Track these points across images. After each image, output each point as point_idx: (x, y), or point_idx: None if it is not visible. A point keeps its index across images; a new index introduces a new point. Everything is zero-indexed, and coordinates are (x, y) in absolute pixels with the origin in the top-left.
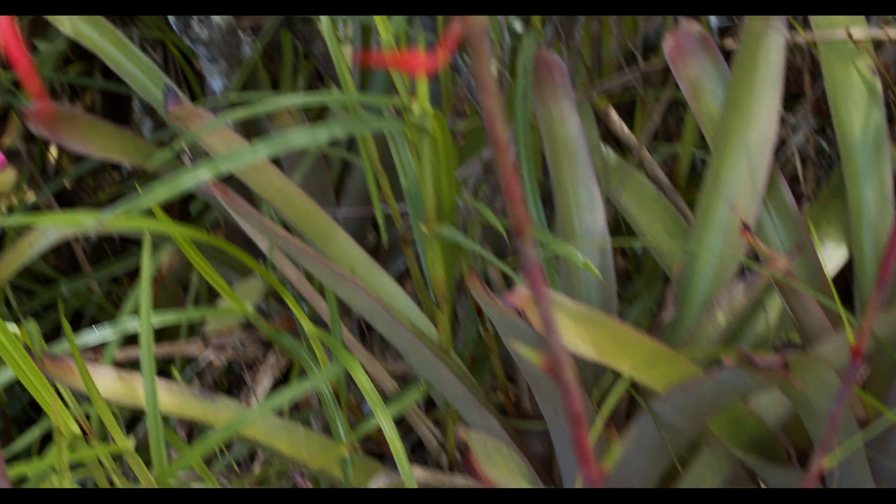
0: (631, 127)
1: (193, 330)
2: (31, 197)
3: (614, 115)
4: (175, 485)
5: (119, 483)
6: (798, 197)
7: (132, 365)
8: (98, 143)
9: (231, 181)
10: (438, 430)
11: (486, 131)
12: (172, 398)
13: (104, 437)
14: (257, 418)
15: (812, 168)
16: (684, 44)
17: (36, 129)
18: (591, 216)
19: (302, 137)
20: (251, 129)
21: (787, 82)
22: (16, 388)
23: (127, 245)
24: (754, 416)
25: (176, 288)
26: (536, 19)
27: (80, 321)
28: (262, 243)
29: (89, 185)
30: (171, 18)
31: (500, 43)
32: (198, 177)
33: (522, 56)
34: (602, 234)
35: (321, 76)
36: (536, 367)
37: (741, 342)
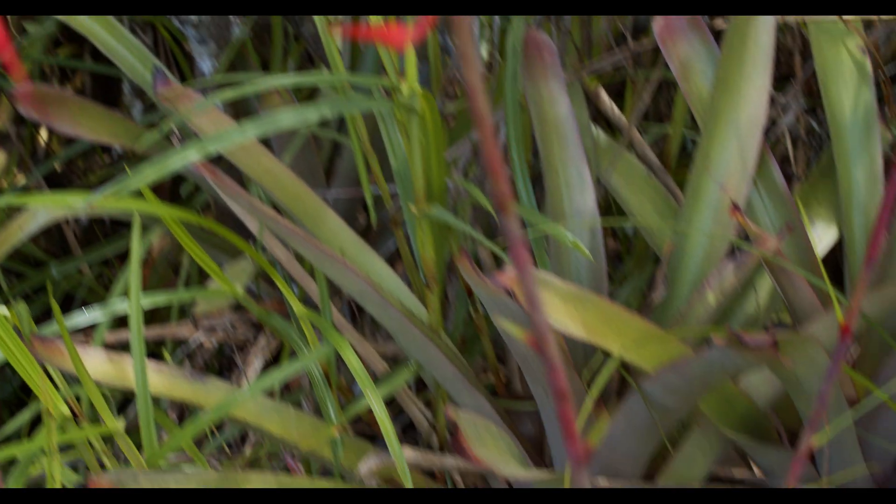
0: (621, 107)
1: (184, 312)
2: (20, 180)
3: (604, 96)
4: (165, 466)
5: (109, 465)
6: (788, 177)
7: (123, 347)
8: (87, 125)
9: (221, 163)
10: (429, 411)
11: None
12: (162, 379)
13: (95, 419)
14: (247, 399)
15: (802, 148)
16: (674, 24)
17: (25, 111)
18: (580, 196)
19: (290, 117)
20: (241, 111)
21: (778, 63)
22: (6, 370)
23: (117, 228)
24: (744, 395)
25: (167, 270)
26: None
27: (70, 304)
28: (252, 225)
29: (79, 167)
30: None
31: (490, 24)
32: (186, 157)
33: (512, 36)
34: (592, 214)
35: (311, 58)
36: (526, 347)
37: (731, 322)
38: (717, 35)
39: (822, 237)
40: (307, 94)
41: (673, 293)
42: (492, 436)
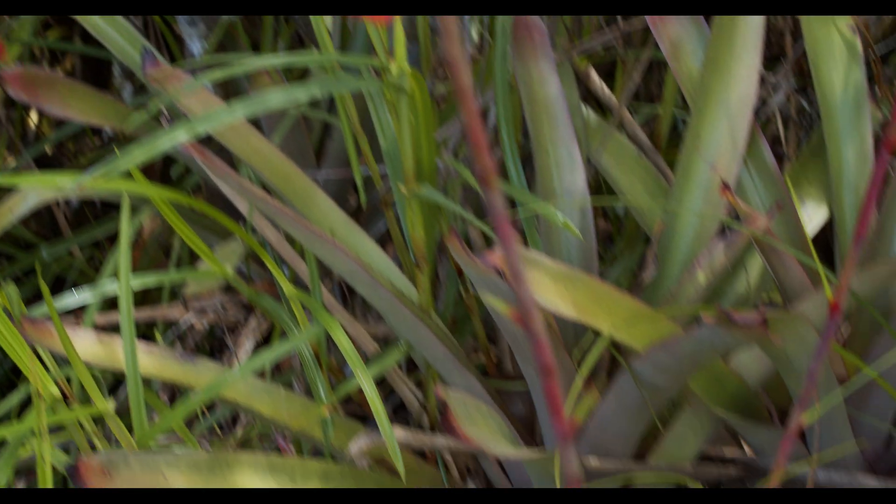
0: (611, 88)
1: (175, 295)
2: (11, 163)
3: (594, 76)
4: (156, 447)
5: (100, 446)
6: (779, 157)
7: (113, 329)
8: (77, 106)
9: (211, 145)
10: (420, 391)
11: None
12: (152, 360)
13: (85, 401)
14: (238, 380)
15: (793, 128)
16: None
17: (14, 93)
18: (571, 176)
19: (279, 97)
20: (231, 92)
21: (768, 43)
22: None
23: (108, 210)
24: (735, 374)
25: (158, 253)
26: None
27: (61, 287)
28: (242, 206)
29: (70, 150)
30: None
31: None
32: (175, 138)
33: (501, 17)
34: (582, 193)
35: (302, 39)
36: (515, 326)
37: (722, 301)
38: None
39: (813, 216)
40: (298, 76)
41: (663, 273)
42: (482, 415)
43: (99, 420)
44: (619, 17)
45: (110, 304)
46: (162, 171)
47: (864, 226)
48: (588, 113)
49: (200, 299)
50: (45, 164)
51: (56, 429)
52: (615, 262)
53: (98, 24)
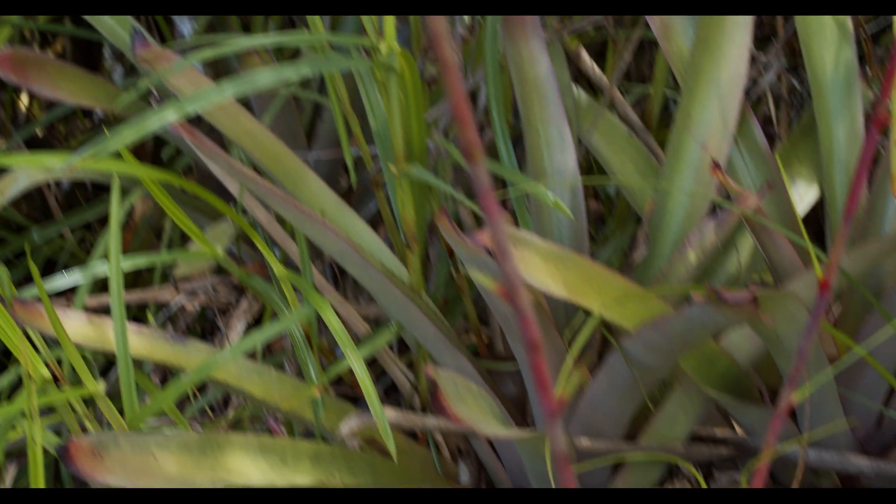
0: (602, 68)
1: (167, 277)
2: (1, 145)
3: (585, 56)
4: (147, 429)
5: (91, 428)
6: (771, 137)
7: (105, 311)
8: (67, 88)
9: (201, 126)
10: (411, 372)
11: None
12: (143, 342)
13: (77, 383)
14: (228, 361)
15: (784, 109)
16: None
17: (4, 74)
18: (561, 156)
19: (269, 76)
20: (221, 73)
21: (759, 22)
22: None
23: (99, 192)
24: (726, 354)
25: (149, 235)
26: None
27: (52, 269)
28: (233, 187)
29: (60, 132)
30: None
31: None
32: (164, 118)
33: None
34: (573, 173)
35: (292, 20)
36: (506, 306)
37: (713, 281)
38: None
39: (804, 196)
40: (289, 57)
41: (654, 252)
42: (472, 395)
43: (90, 402)
44: None
45: (101, 286)
46: (153, 153)
47: (854, 203)
48: (579, 93)
49: (191, 281)
50: (35, 146)
51: (47, 411)
52: (606, 243)
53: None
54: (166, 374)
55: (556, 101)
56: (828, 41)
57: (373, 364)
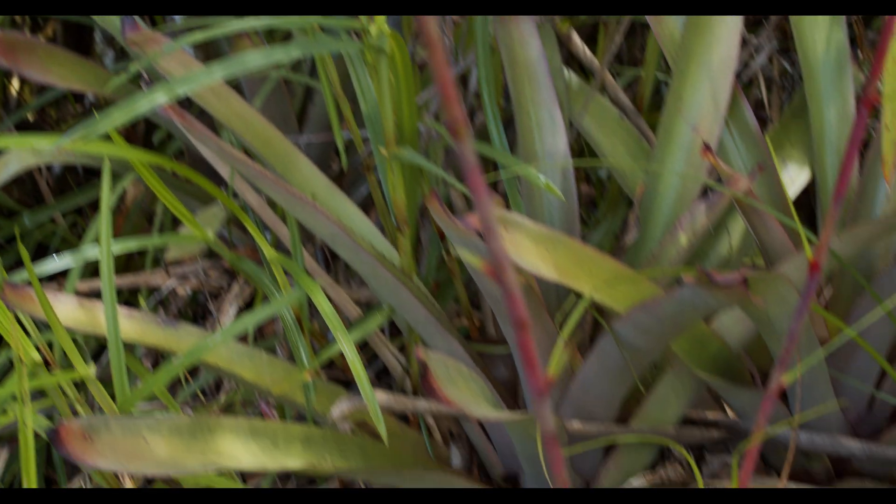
0: (593, 50)
1: (159, 262)
2: None
3: (576, 39)
4: (138, 413)
5: (82, 412)
6: (762, 120)
7: (96, 296)
8: (58, 72)
9: (192, 110)
10: (403, 356)
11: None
12: (134, 325)
13: (68, 367)
14: (220, 345)
15: (776, 92)
16: None
17: None
18: (552, 138)
19: (258, 58)
20: (213, 56)
21: None
22: None
23: (90, 177)
24: (717, 337)
25: (140, 220)
26: None
27: (44, 254)
28: (224, 171)
29: (51, 117)
30: None
31: None
32: (154, 100)
33: None
34: (564, 155)
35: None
36: (497, 288)
37: (704, 264)
38: None
39: (795, 179)
40: (280, 40)
41: (645, 235)
42: (463, 377)
43: (81, 386)
44: None
45: (93, 271)
46: (144, 137)
47: (844, 184)
48: (570, 76)
49: (182, 265)
50: (26, 130)
51: (39, 396)
52: (597, 226)
53: None
54: (158, 358)
55: (547, 83)
56: (819, 23)
57: (364, 348)
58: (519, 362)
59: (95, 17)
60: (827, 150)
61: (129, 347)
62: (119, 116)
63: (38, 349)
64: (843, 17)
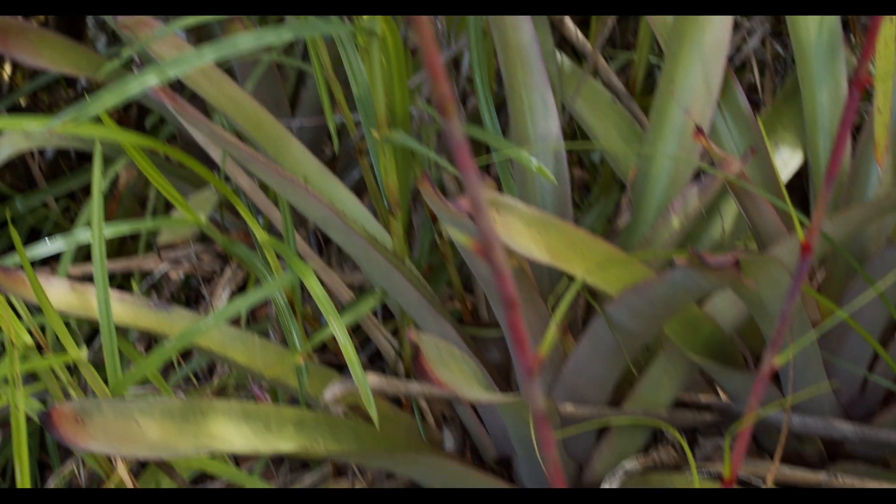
0: (586, 34)
1: (152, 247)
2: None
3: (569, 22)
4: (130, 397)
5: (74, 395)
6: (755, 104)
7: (89, 280)
8: (50, 56)
9: (184, 93)
10: (396, 340)
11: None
12: (126, 309)
13: (60, 350)
14: (212, 328)
15: (769, 76)
16: None
17: None
18: (544, 122)
19: (250, 41)
20: (205, 41)
21: None
22: None
23: (83, 161)
24: (710, 320)
25: (133, 204)
26: None
27: (37, 239)
28: (216, 155)
29: (44, 101)
30: None
31: None
32: (145, 82)
33: None
34: (556, 139)
35: None
36: (485, 264)
37: (696, 247)
38: None
39: (788, 162)
40: (272, 23)
41: (638, 218)
42: (455, 360)
43: (74, 371)
44: None
45: (86, 256)
46: (137, 122)
47: (836, 164)
48: (562, 59)
49: (175, 249)
50: (18, 115)
51: (31, 380)
52: (590, 210)
53: None
54: (151, 343)
55: (540, 66)
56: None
57: (357, 331)
58: (510, 343)
59: None
60: (819, 133)
61: (123, 332)
62: (110, 98)
63: (30, 333)
64: None
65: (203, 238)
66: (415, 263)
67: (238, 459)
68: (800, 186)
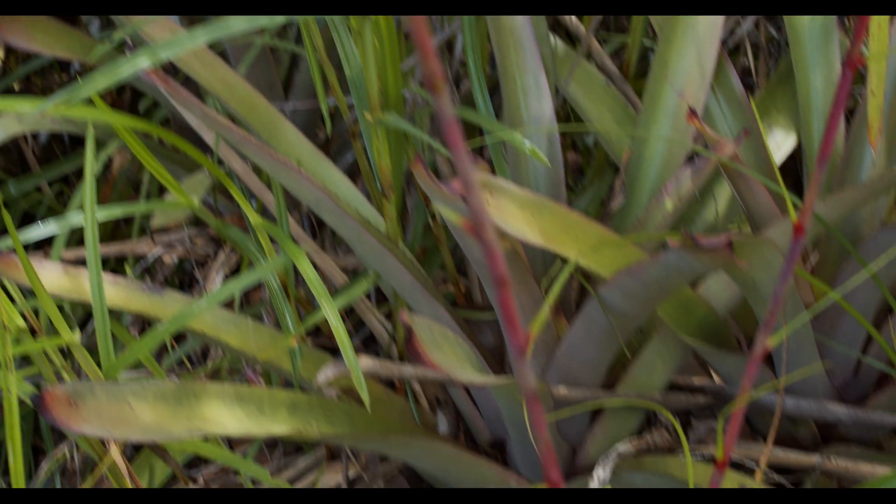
0: (580, 17)
1: (145, 231)
2: None
3: None
4: (122, 380)
5: (68, 379)
6: (749, 87)
7: (82, 264)
8: (42, 39)
9: (177, 77)
10: (389, 323)
11: None
12: (119, 292)
13: (54, 334)
14: (205, 311)
15: (763, 58)
16: None
17: None
18: (538, 104)
19: (242, 23)
20: (197, 23)
21: None
22: None
23: (76, 146)
24: (703, 302)
25: (127, 188)
26: None
27: (30, 223)
28: (209, 138)
29: (37, 85)
30: None
31: None
32: (137, 64)
33: None
34: (550, 121)
35: None
36: (482, 253)
37: (690, 230)
38: None
39: (782, 144)
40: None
41: (631, 201)
42: (449, 342)
43: (67, 354)
44: None
45: (79, 241)
46: (130, 106)
47: (829, 145)
48: (556, 42)
49: (168, 233)
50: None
51: (24, 363)
52: (584, 192)
53: None
54: (144, 326)
55: (533, 48)
56: None
57: (351, 314)
58: (502, 322)
59: None
60: (813, 115)
61: (116, 315)
62: (102, 81)
63: (23, 316)
64: None
65: (196, 221)
66: (408, 246)
67: (232, 443)
68: (793, 169)
